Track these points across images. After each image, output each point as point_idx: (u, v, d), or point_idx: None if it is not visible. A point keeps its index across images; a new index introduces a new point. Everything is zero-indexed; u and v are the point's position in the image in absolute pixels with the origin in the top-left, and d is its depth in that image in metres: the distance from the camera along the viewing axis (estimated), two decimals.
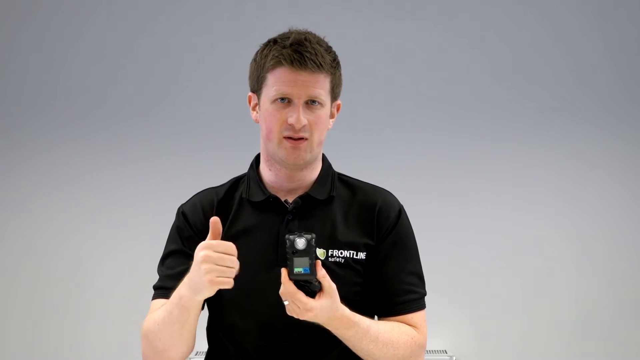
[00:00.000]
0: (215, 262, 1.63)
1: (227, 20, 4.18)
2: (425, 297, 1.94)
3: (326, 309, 1.69)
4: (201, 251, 1.65)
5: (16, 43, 4.19)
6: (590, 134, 4.15)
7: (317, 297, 1.68)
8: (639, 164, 4.16)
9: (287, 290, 1.66)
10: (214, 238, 1.68)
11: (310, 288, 1.67)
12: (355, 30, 4.14)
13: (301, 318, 1.68)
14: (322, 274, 1.67)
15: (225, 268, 1.64)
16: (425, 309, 1.92)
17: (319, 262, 1.67)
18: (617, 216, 4.14)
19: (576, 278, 4.12)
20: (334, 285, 1.69)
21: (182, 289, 1.71)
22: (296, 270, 1.64)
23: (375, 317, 1.92)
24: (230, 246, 1.65)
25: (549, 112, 4.16)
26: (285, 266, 1.66)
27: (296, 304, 1.66)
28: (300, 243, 1.64)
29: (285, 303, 1.68)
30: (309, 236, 1.65)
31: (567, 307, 4.11)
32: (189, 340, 1.79)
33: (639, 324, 4.11)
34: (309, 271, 1.64)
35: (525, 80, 4.15)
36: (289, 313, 1.69)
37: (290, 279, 1.65)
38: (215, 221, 1.68)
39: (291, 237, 1.65)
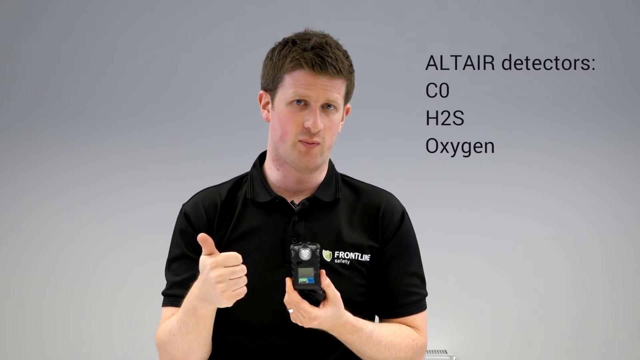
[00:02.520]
0: (229, 278, 1.64)
1: (231, 24, 4.18)
2: (426, 298, 1.95)
3: (330, 317, 1.71)
4: (211, 271, 1.64)
5: (27, 44, 4.19)
6: (588, 135, 4.16)
7: (321, 305, 1.70)
8: (633, 165, 4.17)
9: (292, 299, 1.68)
10: (210, 252, 1.67)
11: (315, 297, 1.69)
12: (352, 35, 4.15)
13: (306, 326, 1.70)
14: (326, 283, 1.69)
15: (239, 280, 1.65)
16: (426, 309, 1.94)
17: (323, 272, 1.68)
18: (611, 219, 4.15)
19: (570, 280, 4.14)
20: (338, 294, 1.71)
21: (196, 301, 1.72)
22: (301, 280, 1.66)
23: (377, 317, 1.94)
24: (237, 257, 1.66)
25: (546, 113, 4.17)
26: (291, 273, 1.68)
27: (301, 313, 1.68)
28: (305, 254, 1.66)
29: (290, 311, 1.70)
30: (313, 247, 1.67)
31: (563, 307, 4.12)
32: (208, 346, 1.81)
33: (633, 324, 4.13)
34: (313, 281, 1.66)
35: (521, 80, 4.16)
36: (293, 321, 1.71)
37: (295, 289, 1.67)
38: (203, 238, 1.67)
39: (296, 247, 1.67)
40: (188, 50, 4.19)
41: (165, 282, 1.94)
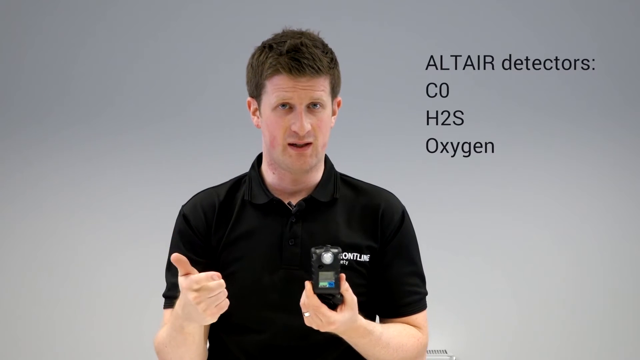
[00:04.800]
0: (208, 296, 1.63)
1: (229, 24, 4.18)
2: (426, 297, 1.96)
3: (347, 321, 1.70)
4: (188, 293, 1.64)
5: (26, 44, 4.19)
6: (588, 135, 4.16)
7: (338, 309, 1.68)
8: (633, 165, 4.17)
9: (312, 303, 1.65)
10: (186, 272, 1.66)
11: (333, 301, 1.67)
12: (351, 33, 4.15)
13: (322, 330, 1.68)
14: (345, 287, 1.67)
15: (218, 296, 1.64)
16: (427, 308, 1.94)
17: (343, 276, 1.66)
18: (611, 219, 4.15)
19: (570, 279, 4.14)
20: (355, 298, 1.70)
21: (180, 320, 1.72)
22: (321, 284, 1.63)
23: (377, 317, 1.95)
24: (210, 275, 1.64)
25: (546, 113, 4.17)
26: (309, 279, 1.66)
27: (319, 317, 1.66)
28: (328, 258, 1.63)
29: (306, 314, 1.68)
30: (335, 250, 1.64)
31: (563, 307, 4.12)
32: (201, 354, 1.83)
33: (631, 324, 4.13)
34: (334, 285, 1.63)
35: (521, 80, 4.16)
36: (308, 324, 1.69)
37: (315, 293, 1.65)
38: (177, 258, 1.66)
39: (317, 250, 1.64)
40: (187, 50, 4.19)
41: (165, 283, 1.95)
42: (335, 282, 1.63)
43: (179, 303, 1.71)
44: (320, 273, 1.63)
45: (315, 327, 1.68)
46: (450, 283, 4.09)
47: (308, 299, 1.65)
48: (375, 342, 1.78)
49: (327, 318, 1.66)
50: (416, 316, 1.91)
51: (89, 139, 4.19)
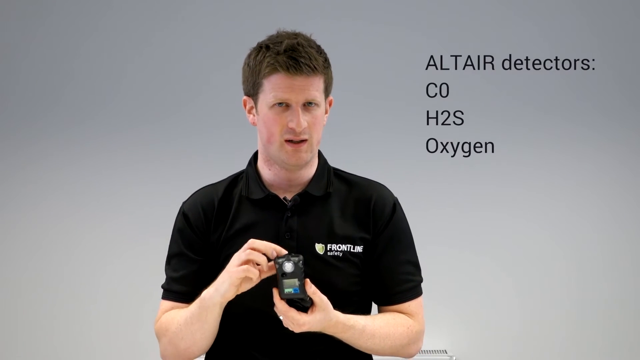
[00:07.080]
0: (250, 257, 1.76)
1: (228, 23, 4.19)
2: (422, 284, 2.00)
3: (319, 321, 1.78)
4: (242, 253, 1.77)
5: (25, 44, 4.20)
6: (588, 135, 4.17)
7: (309, 311, 1.77)
8: (633, 164, 4.17)
9: (280, 308, 1.76)
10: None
11: (302, 304, 1.77)
12: (346, 35, 4.16)
13: (296, 331, 1.78)
14: (312, 290, 1.76)
15: (259, 258, 1.76)
16: (422, 295, 2.00)
17: (307, 281, 1.75)
18: (613, 219, 4.15)
19: (571, 279, 4.13)
20: (324, 299, 1.78)
21: (208, 289, 1.82)
22: (286, 290, 1.74)
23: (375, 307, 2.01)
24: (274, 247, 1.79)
25: (546, 113, 4.17)
26: (277, 284, 1.75)
27: (289, 320, 1.76)
28: (288, 267, 1.74)
29: (281, 318, 1.77)
30: (296, 259, 1.74)
31: (564, 307, 4.12)
32: (209, 338, 1.89)
33: (633, 325, 4.13)
34: (298, 291, 1.74)
35: (521, 80, 4.16)
36: (285, 326, 1.78)
37: (282, 299, 1.75)
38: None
39: (279, 260, 1.74)
40: (185, 50, 4.20)
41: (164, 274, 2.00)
42: (299, 288, 1.74)
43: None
44: (284, 281, 1.74)
45: (290, 329, 1.77)
46: (450, 283, 4.09)
47: (276, 305, 1.76)
48: (358, 335, 1.86)
49: (297, 321, 1.76)
50: (409, 304, 1.96)
51: (87, 138, 4.19)
